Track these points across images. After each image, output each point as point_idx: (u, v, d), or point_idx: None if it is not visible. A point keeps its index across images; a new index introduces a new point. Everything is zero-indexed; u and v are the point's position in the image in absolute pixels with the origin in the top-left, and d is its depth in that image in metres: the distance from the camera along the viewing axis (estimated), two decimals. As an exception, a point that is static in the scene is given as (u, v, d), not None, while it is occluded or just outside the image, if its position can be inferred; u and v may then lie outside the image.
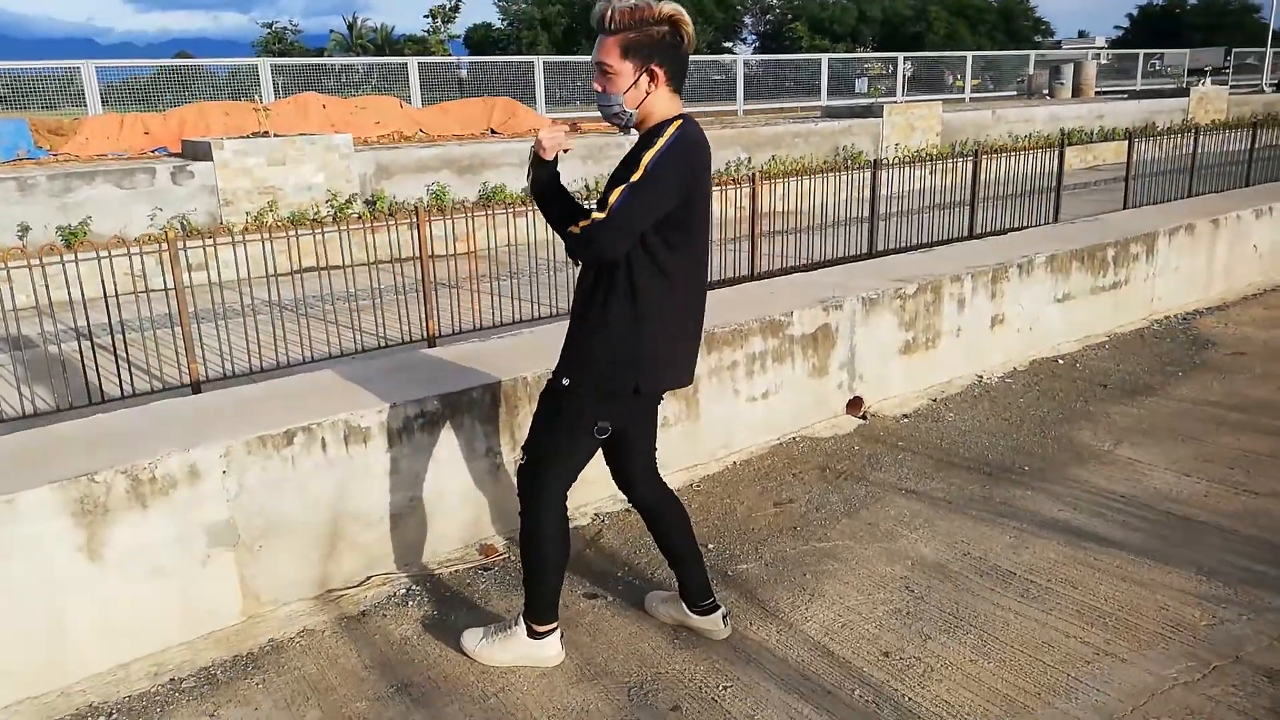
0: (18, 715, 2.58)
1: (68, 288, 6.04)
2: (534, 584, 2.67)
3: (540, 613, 2.69)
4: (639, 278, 2.42)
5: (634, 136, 2.48)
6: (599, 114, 2.50)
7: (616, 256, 2.38)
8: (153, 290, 7.36)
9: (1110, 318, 5.96)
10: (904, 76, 25.07)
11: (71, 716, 2.57)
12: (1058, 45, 60.43)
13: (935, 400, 4.84)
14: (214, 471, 2.88)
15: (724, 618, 2.84)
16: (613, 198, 2.32)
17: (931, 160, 11.95)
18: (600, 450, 2.71)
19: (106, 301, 6.56)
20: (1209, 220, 6.53)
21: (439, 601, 3.10)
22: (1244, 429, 4.36)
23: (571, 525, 3.52)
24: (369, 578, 3.21)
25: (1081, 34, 74.33)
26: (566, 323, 2.62)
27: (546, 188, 2.56)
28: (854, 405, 4.67)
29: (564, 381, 2.55)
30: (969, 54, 27.73)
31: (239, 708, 2.60)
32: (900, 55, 25.75)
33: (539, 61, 18.80)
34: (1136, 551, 3.27)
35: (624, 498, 2.90)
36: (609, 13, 2.35)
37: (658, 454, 2.82)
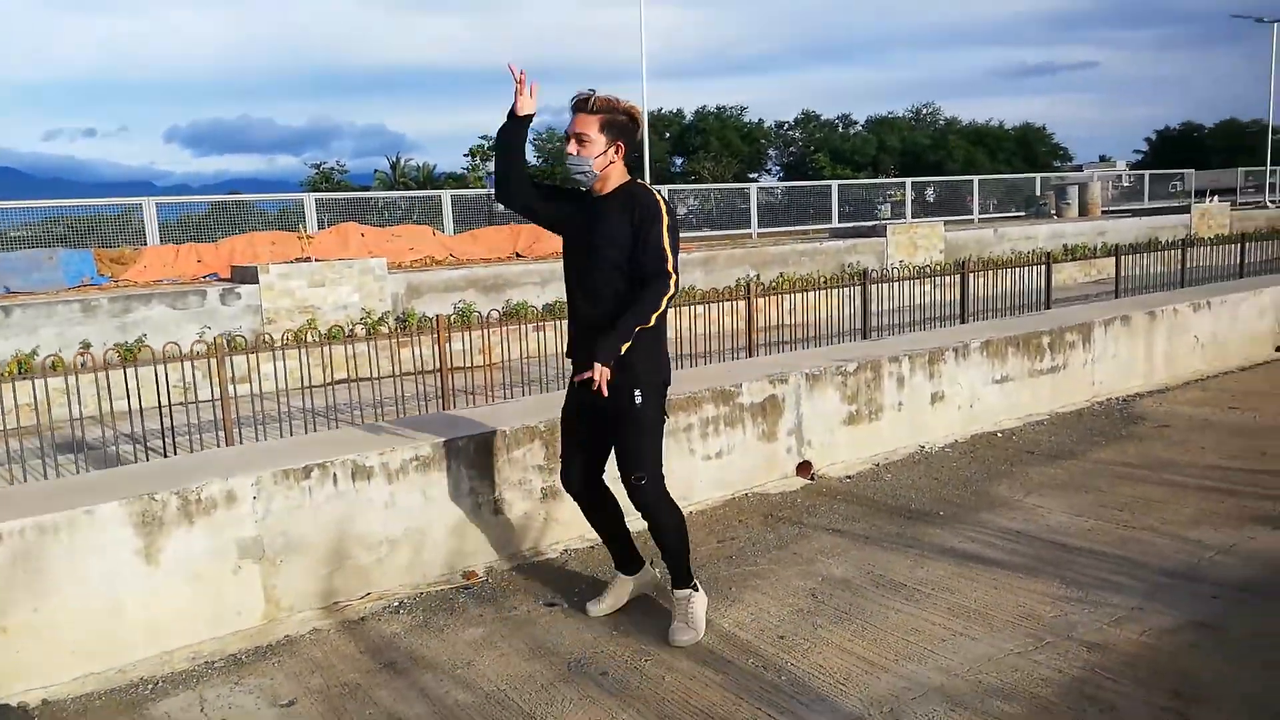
0: (83, 684, 3.24)
1: (127, 398, 6.95)
2: (686, 555, 3.45)
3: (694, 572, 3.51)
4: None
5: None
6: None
7: None
8: (201, 401, 8.28)
9: (1051, 399, 6.59)
10: (911, 200, 26.33)
11: (126, 686, 3.23)
12: (1078, 169, 62.19)
13: (879, 465, 5.47)
14: (247, 496, 3.62)
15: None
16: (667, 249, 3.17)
17: (920, 276, 12.77)
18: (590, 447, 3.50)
19: (160, 410, 7.45)
20: (1145, 313, 7.21)
21: (425, 609, 3.75)
22: (1144, 481, 4.94)
23: (543, 559, 4.19)
24: (369, 593, 3.87)
25: (1103, 158, 76.18)
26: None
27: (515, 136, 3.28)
28: (804, 468, 5.31)
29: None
30: (975, 178, 29.04)
31: (258, 678, 3.25)
32: (908, 180, 27.11)
33: (564, 193, 20.16)
34: (1013, 569, 3.86)
35: (590, 539, 3.67)
36: (592, 99, 3.23)
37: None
